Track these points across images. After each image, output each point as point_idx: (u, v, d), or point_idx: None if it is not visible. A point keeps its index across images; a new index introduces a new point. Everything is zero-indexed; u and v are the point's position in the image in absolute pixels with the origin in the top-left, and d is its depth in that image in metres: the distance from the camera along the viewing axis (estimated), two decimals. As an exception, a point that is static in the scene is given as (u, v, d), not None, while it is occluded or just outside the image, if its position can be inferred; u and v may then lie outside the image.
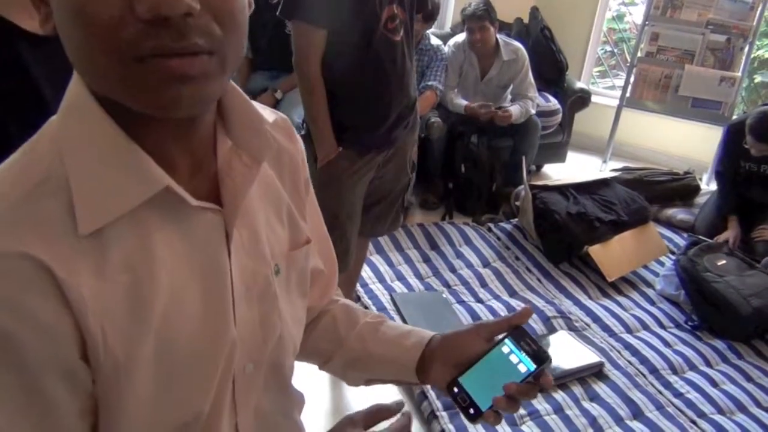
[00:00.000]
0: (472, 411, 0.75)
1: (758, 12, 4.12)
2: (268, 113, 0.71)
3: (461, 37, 3.83)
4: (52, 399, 0.55)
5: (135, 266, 0.57)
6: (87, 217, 0.55)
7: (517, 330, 0.80)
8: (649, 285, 3.14)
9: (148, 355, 0.58)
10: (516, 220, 3.53)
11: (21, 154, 0.58)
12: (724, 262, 2.95)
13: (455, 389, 0.78)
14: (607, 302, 2.96)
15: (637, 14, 5.33)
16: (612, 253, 3.11)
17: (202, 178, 0.63)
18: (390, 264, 3.07)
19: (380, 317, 0.90)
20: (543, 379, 0.76)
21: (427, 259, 3.16)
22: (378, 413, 0.77)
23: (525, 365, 0.77)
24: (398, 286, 2.88)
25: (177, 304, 0.60)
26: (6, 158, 0.62)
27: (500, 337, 0.81)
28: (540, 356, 0.77)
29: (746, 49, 4.19)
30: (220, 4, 0.53)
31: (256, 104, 0.68)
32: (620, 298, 3.01)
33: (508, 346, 0.79)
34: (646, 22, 4.34)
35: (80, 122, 0.57)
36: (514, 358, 0.78)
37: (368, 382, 0.91)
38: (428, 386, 2.30)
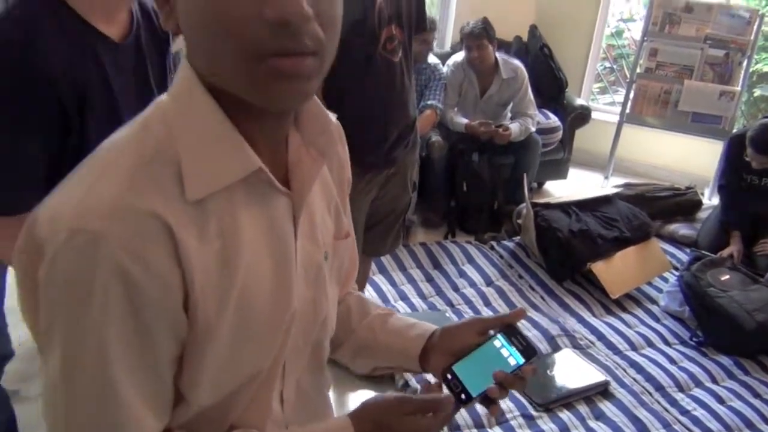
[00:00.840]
0: (463, 396, 0.81)
1: (755, 26, 4.14)
2: (329, 113, 0.78)
3: (460, 55, 3.86)
4: (157, 342, 0.63)
5: (226, 235, 0.65)
6: (194, 186, 0.63)
7: (510, 327, 0.87)
8: (653, 301, 3.13)
9: (230, 315, 0.66)
10: (518, 237, 3.52)
11: (135, 129, 0.66)
12: (727, 277, 2.94)
13: (449, 376, 0.84)
14: (611, 319, 2.94)
15: (635, 30, 5.36)
16: (615, 270, 3.10)
17: (277, 166, 0.71)
18: (393, 284, 3.06)
19: (389, 310, 0.98)
20: (524, 368, 0.82)
21: (429, 279, 3.16)
22: (432, 405, 0.79)
23: (514, 359, 0.83)
24: (401, 306, 2.87)
25: (254, 274, 0.68)
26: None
27: (494, 332, 0.87)
28: (529, 351, 0.83)
29: (745, 63, 4.20)
30: (327, 10, 0.61)
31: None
32: (624, 315, 2.99)
33: (500, 341, 0.86)
34: (645, 38, 4.36)
35: (190, 106, 0.65)
36: (504, 352, 0.85)
37: (374, 370, 0.98)
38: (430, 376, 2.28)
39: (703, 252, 3.23)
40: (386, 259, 3.19)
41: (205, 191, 0.63)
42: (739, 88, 4.20)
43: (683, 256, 3.49)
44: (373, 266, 3.06)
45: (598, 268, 3.08)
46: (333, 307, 0.85)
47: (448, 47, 4.52)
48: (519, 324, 0.87)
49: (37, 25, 1.02)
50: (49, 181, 0.95)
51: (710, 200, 4.20)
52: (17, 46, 1.01)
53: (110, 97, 1.11)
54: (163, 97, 0.68)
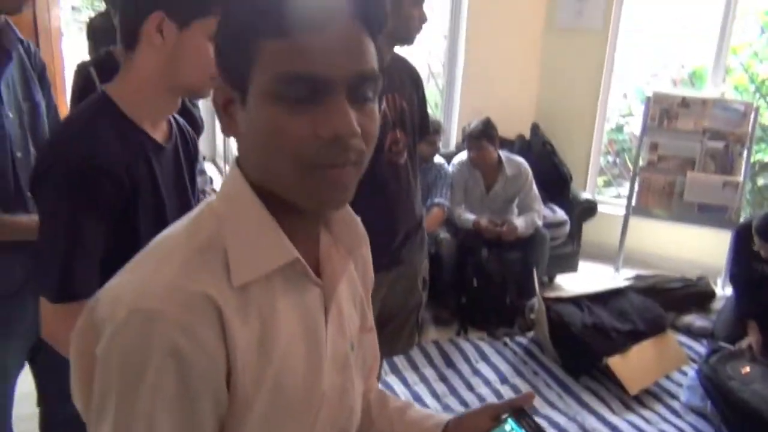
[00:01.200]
0: None
1: (751, 119, 4.24)
2: (355, 216, 0.87)
3: (464, 154, 3.96)
4: (201, 415, 0.67)
5: (265, 318, 0.71)
6: (239, 273, 0.69)
7: (520, 411, 0.92)
8: (674, 396, 3.04)
9: (265, 394, 0.71)
10: (532, 333, 3.48)
11: (187, 224, 0.74)
12: (748, 369, 2.87)
13: None
14: (631, 417, 2.85)
15: (635, 125, 5.50)
16: (632, 365, 3.03)
17: (310, 260, 0.78)
18: (406, 384, 3.01)
19: (407, 402, 1.03)
20: None
21: (443, 378, 3.10)
22: None
23: None
24: (414, 407, 2.80)
25: (288, 357, 0.73)
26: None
27: (504, 416, 0.92)
28: None
29: (745, 154, 4.27)
30: (368, 126, 0.69)
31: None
32: (645, 412, 2.90)
33: (510, 424, 0.90)
34: (644, 133, 4.46)
35: (238, 204, 0.73)
36: None
37: None
38: None
39: (721, 344, 3.17)
40: (398, 359, 3.15)
41: (248, 277, 0.70)
42: (741, 178, 4.25)
43: (701, 348, 3.43)
44: (385, 366, 3.02)
45: (615, 363, 3.02)
46: (359, 397, 0.89)
47: (452, 147, 4.66)
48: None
49: (98, 128, 1.17)
50: (103, 271, 1.14)
51: (723, 290, 4.16)
52: (83, 145, 1.14)
53: (157, 192, 1.24)
54: (212, 198, 0.77)
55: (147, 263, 0.71)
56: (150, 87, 1.22)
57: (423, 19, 2.00)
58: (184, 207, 1.33)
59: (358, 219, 0.86)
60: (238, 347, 0.67)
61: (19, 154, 1.55)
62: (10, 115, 1.53)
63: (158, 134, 1.27)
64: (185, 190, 1.36)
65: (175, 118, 1.36)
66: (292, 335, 0.74)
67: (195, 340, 0.64)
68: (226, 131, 0.73)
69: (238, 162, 0.75)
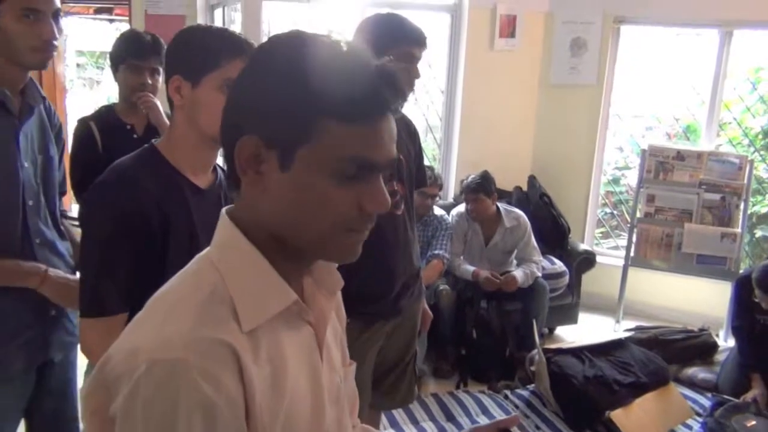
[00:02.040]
0: None
1: (746, 171, 4.28)
2: None
3: (463, 206, 3.99)
4: None
5: (273, 359, 0.75)
6: (247, 319, 0.73)
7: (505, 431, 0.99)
8: (679, 451, 2.98)
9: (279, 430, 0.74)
10: (533, 385, 3.43)
11: (188, 276, 0.78)
12: (753, 422, 2.82)
13: None
14: (636, 472, 2.79)
15: (631, 177, 5.55)
16: (635, 418, 2.98)
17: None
18: (405, 438, 2.95)
19: None
20: None
21: (443, 432, 3.04)
22: None
23: None
24: (414, 463, 2.74)
25: (295, 393, 0.77)
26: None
27: None
28: None
29: (742, 206, 4.30)
30: None
31: None
32: (650, 467, 2.84)
33: None
34: (641, 185, 4.50)
35: (237, 254, 0.77)
36: None
37: None
38: None
39: (725, 396, 3.12)
40: (397, 413, 3.09)
41: (257, 322, 0.73)
42: (739, 230, 4.26)
43: (705, 401, 3.37)
44: (384, 420, 2.97)
45: (618, 416, 2.96)
46: (350, 428, 0.94)
47: (450, 198, 4.69)
48: None
49: (140, 173, 1.34)
50: (130, 294, 1.28)
51: (726, 342, 4.12)
52: (123, 187, 1.31)
53: (191, 227, 1.36)
54: (209, 249, 0.80)
55: (154, 317, 0.72)
56: (185, 141, 1.39)
57: (416, 76, 2.05)
58: None
59: (335, 264, 0.91)
60: (256, 390, 0.70)
61: (30, 203, 1.62)
62: (26, 165, 1.61)
63: (200, 180, 1.42)
64: None
65: (223, 171, 1.52)
66: (297, 374, 0.78)
67: (220, 389, 0.65)
68: (250, 185, 0.77)
69: (229, 213, 0.81)
